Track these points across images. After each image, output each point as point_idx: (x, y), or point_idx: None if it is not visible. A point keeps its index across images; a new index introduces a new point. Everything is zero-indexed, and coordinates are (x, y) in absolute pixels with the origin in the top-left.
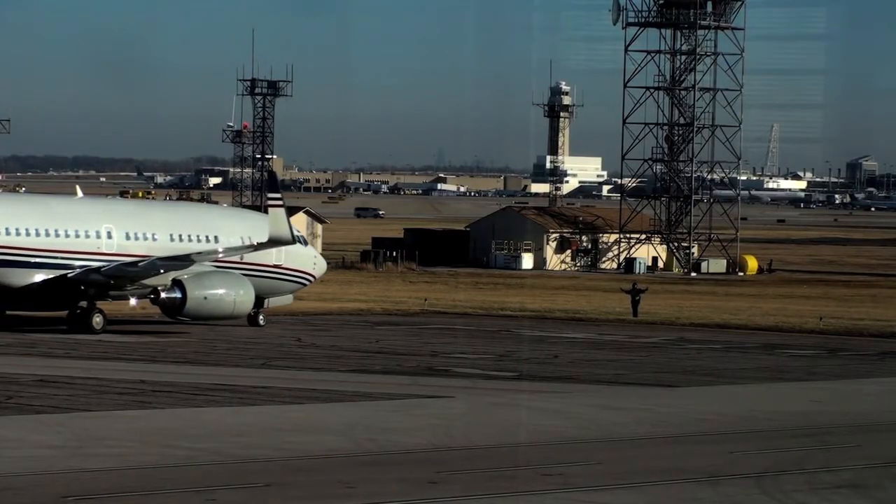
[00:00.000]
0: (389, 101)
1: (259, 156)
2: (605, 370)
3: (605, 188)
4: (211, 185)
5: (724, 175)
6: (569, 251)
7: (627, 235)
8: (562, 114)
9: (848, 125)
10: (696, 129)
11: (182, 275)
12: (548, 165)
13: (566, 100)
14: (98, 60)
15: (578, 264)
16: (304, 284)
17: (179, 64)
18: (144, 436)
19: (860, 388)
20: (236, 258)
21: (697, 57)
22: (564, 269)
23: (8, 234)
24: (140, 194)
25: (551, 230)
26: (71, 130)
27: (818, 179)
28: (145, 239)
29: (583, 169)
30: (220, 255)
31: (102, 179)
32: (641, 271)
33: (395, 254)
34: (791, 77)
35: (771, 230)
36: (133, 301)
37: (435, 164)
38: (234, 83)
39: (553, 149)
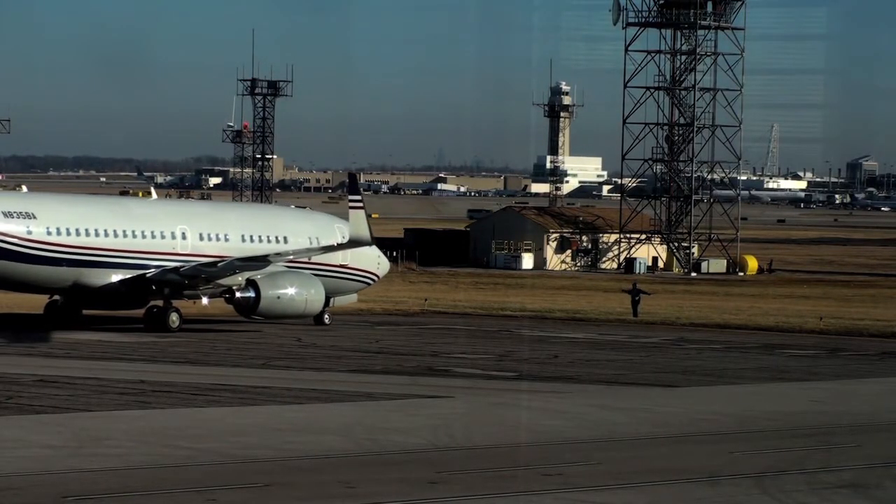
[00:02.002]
0: (389, 101)
1: (259, 156)
2: (605, 370)
3: (606, 188)
4: (211, 185)
5: (724, 175)
6: (569, 251)
7: (627, 235)
8: (562, 114)
9: (848, 125)
10: (696, 129)
11: (255, 275)
12: (548, 165)
13: (566, 100)
14: (98, 60)
15: (578, 264)
16: (369, 284)
17: (179, 64)
18: (144, 436)
19: (860, 388)
20: (305, 258)
21: (697, 57)
22: (564, 269)
23: (87, 234)
24: (140, 194)
25: (551, 230)
26: (71, 130)
27: (818, 179)
28: (218, 240)
29: (583, 169)
30: (295, 256)
31: (102, 179)
32: (641, 271)
33: (395, 254)
34: (791, 77)
35: (771, 230)
36: (205, 300)
37: (435, 164)
38: (234, 83)
39: (553, 149)
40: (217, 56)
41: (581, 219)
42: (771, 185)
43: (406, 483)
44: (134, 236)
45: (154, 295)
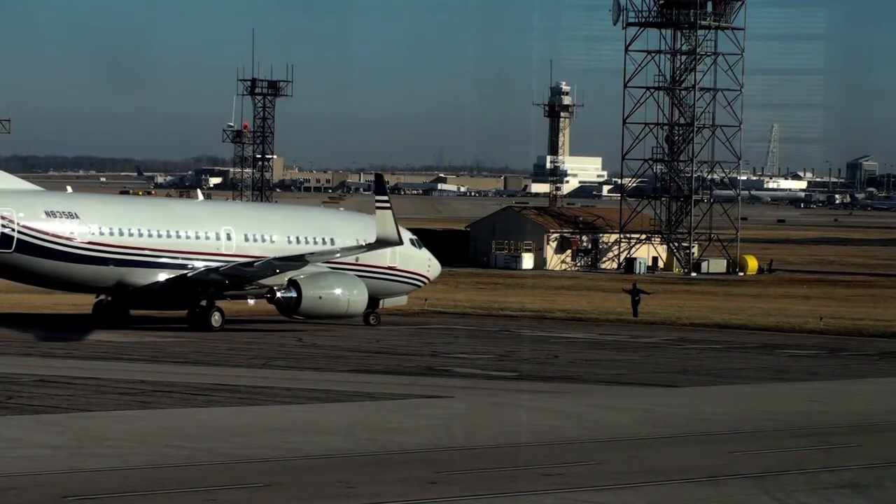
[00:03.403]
0: (390, 100)
1: (259, 156)
2: (606, 370)
3: (606, 188)
4: (211, 185)
5: (724, 175)
6: (569, 251)
7: (627, 235)
8: (562, 114)
9: (848, 125)
10: (696, 129)
11: (298, 275)
12: (548, 165)
13: (566, 100)
14: (98, 60)
15: (578, 264)
16: (418, 286)
17: (179, 64)
18: (144, 436)
19: (860, 388)
20: (351, 259)
21: (697, 57)
22: (565, 269)
23: (131, 235)
24: (140, 194)
25: (551, 230)
26: (71, 130)
27: (818, 179)
28: (263, 241)
29: (583, 169)
30: (341, 255)
31: (103, 179)
32: (641, 271)
33: None
34: (791, 77)
35: (771, 230)
36: (251, 301)
37: (435, 164)
38: (234, 83)
39: (553, 149)
40: (217, 56)
41: (581, 219)
42: (771, 185)
43: (406, 483)
44: (178, 237)
45: (199, 295)
